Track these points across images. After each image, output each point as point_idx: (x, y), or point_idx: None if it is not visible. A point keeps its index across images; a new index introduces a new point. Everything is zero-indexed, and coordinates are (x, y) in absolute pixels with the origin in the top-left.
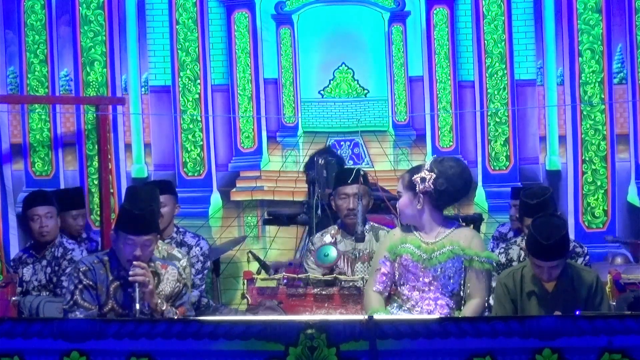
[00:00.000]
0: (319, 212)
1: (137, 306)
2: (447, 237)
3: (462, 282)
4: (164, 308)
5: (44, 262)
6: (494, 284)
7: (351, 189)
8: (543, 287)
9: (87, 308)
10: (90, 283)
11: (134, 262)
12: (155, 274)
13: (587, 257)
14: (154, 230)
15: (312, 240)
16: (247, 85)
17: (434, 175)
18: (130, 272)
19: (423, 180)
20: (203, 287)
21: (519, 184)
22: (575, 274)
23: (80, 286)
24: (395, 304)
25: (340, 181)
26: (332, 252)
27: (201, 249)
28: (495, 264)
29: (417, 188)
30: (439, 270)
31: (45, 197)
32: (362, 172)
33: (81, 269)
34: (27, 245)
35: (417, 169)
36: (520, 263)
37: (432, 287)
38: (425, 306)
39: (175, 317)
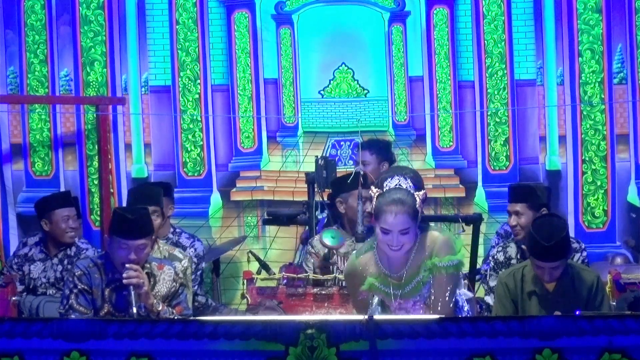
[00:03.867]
0: (319, 212)
1: (134, 309)
2: (411, 260)
3: None
4: (159, 308)
5: (55, 261)
6: (493, 284)
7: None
8: (544, 287)
9: (83, 312)
10: (85, 287)
11: (127, 265)
12: (151, 275)
13: (585, 253)
14: (149, 234)
15: (312, 242)
16: (247, 85)
17: (423, 191)
18: (124, 275)
19: (422, 201)
20: (196, 287)
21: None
22: (575, 274)
23: (75, 291)
24: None
25: (342, 187)
26: (338, 233)
27: (195, 250)
28: (458, 263)
29: (420, 212)
30: (417, 296)
31: (72, 199)
32: (362, 174)
33: (76, 274)
34: (37, 241)
35: (410, 196)
36: (521, 262)
37: (416, 307)
38: None
39: (172, 317)
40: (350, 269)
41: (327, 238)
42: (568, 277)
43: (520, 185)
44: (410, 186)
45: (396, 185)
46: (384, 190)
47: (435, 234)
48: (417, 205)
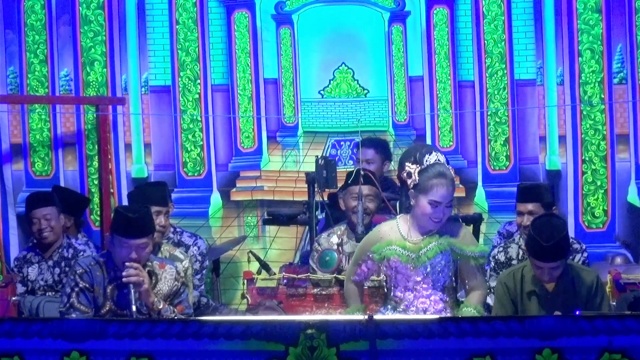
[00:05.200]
0: (319, 212)
1: (134, 308)
2: (433, 232)
3: (452, 275)
4: (160, 307)
5: (51, 262)
6: (493, 284)
7: (363, 190)
8: (543, 287)
9: (83, 311)
10: (87, 285)
11: (127, 263)
12: (152, 274)
13: (586, 254)
14: (150, 232)
15: (319, 240)
16: (247, 85)
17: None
18: (124, 273)
19: None
20: (202, 287)
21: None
22: (575, 274)
23: (76, 289)
24: (389, 306)
25: (351, 181)
26: (334, 257)
27: (199, 248)
28: (485, 254)
29: None
30: (429, 267)
31: (45, 198)
32: (362, 174)
33: (77, 272)
34: (32, 244)
35: (450, 171)
36: (521, 263)
37: (424, 285)
38: (420, 305)
39: (173, 316)
40: (367, 237)
41: (322, 264)
42: (568, 277)
43: (531, 185)
44: (444, 160)
45: (436, 160)
46: (425, 165)
47: (463, 225)
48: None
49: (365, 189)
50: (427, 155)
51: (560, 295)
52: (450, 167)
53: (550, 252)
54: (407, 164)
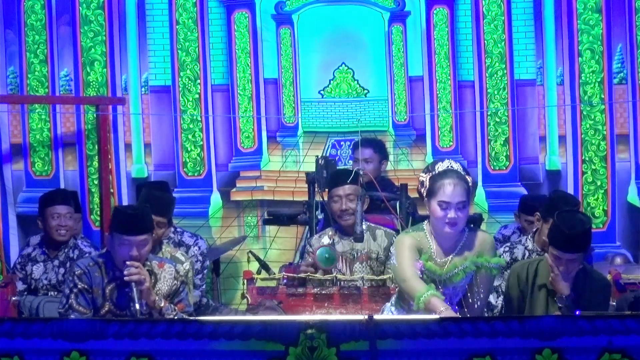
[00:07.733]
0: (319, 212)
1: (137, 306)
2: (458, 250)
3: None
4: (162, 305)
5: (56, 262)
6: (497, 283)
7: (343, 190)
8: None
9: (82, 312)
10: (85, 287)
11: (127, 262)
12: (152, 273)
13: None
14: (149, 230)
15: (310, 242)
16: (247, 85)
17: (471, 177)
18: (125, 272)
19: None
20: (204, 286)
21: (519, 183)
22: (588, 275)
23: (75, 290)
24: (404, 310)
25: (333, 183)
26: (332, 253)
27: (199, 248)
28: (501, 268)
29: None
30: (451, 289)
31: (66, 196)
32: (360, 173)
33: (76, 273)
34: (37, 242)
35: (464, 173)
36: (538, 256)
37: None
38: None
39: (174, 314)
40: (409, 238)
41: (323, 261)
42: (580, 277)
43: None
44: (460, 168)
45: (447, 166)
46: (436, 172)
47: (486, 234)
48: (470, 184)
49: (346, 189)
50: (439, 163)
51: (571, 293)
52: (467, 174)
53: (571, 242)
54: (421, 174)
